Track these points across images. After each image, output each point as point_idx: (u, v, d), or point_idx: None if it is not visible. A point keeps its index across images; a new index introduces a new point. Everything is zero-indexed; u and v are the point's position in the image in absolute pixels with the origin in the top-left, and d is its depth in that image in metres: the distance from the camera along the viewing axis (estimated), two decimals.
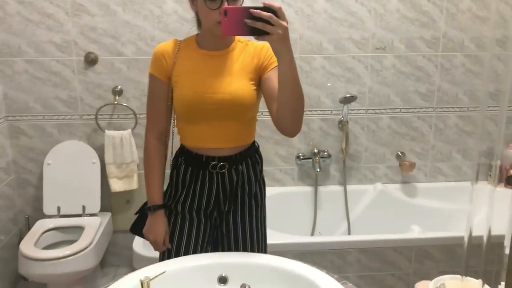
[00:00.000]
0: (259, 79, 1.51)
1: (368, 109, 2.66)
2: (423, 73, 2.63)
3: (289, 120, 1.38)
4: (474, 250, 2.37)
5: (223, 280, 1.24)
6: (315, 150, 2.67)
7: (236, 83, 1.47)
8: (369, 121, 2.69)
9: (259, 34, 1.21)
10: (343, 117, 2.58)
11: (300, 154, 2.70)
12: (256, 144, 1.64)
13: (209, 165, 1.53)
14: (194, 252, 1.56)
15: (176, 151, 1.64)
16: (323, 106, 2.64)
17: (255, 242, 1.61)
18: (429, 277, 2.20)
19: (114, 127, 2.61)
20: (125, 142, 2.57)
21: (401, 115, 2.68)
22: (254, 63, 1.49)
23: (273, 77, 1.44)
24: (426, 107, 2.68)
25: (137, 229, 1.68)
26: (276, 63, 1.43)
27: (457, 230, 2.59)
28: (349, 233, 2.68)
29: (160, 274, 0.95)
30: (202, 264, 1.25)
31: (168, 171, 1.64)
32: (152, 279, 0.92)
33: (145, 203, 1.66)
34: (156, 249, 1.60)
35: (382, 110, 2.67)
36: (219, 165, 1.53)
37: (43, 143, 2.61)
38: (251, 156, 1.60)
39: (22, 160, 2.64)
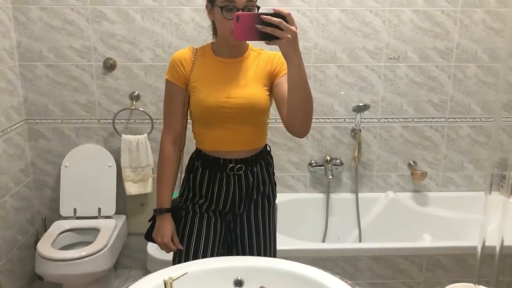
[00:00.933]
0: (271, 85, 1.58)
1: (381, 118, 2.69)
2: (436, 83, 2.66)
3: (299, 121, 1.45)
4: (487, 260, 2.37)
5: (239, 283, 1.27)
6: (328, 158, 2.70)
7: (251, 89, 1.54)
8: (382, 130, 2.71)
9: (269, 38, 1.27)
10: (356, 126, 2.60)
11: (313, 161, 2.73)
12: (268, 147, 1.72)
13: (227, 167, 1.60)
14: (212, 249, 1.62)
15: (192, 155, 1.70)
16: (336, 114, 2.67)
17: (267, 241, 1.69)
18: (441, 285, 2.21)
19: (130, 131, 2.67)
20: (141, 147, 2.62)
21: (413, 124, 2.71)
22: (267, 70, 1.57)
23: (283, 83, 1.50)
24: (438, 117, 2.70)
25: (151, 236, 1.73)
26: (286, 71, 1.51)
27: (468, 239, 2.60)
28: (360, 241, 2.70)
29: (182, 275, 0.99)
30: (220, 267, 1.28)
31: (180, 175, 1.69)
32: (175, 279, 0.96)
33: (155, 211, 1.71)
34: (164, 250, 1.66)
35: (395, 119, 2.69)
36: (236, 167, 1.60)
37: (61, 146, 2.67)
38: (264, 158, 1.67)
39: (40, 162, 2.70)
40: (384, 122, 2.70)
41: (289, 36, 1.26)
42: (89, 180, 2.65)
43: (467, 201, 2.75)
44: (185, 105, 1.62)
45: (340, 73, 2.62)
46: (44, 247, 2.33)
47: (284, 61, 1.37)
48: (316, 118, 2.67)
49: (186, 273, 1.00)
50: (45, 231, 2.63)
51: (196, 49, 1.62)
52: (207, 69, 1.58)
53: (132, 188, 2.67)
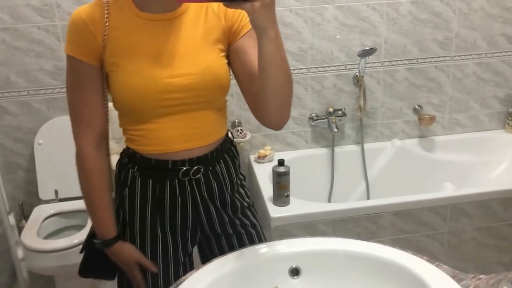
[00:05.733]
0: (228, 48, 1.15)
1: (384, 62, 2.48)
2: (441, 19, 2.45)
3: (276, 112, 1.07)
4: (510, 202, 2.22)
5: (295, 271, 1.07)
6: (330, 109, 2.49)
7: (205, 57, 1.10)
8: (385, 74, 2.51)
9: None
10: (359, 72, 2.38)
11: (314, 114, 2.51)
12: (229, 132, 1.29)
13: (179, 172, 1.16)
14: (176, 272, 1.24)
15: (121, 159, 1.26)
16: (337, 61, 2.44)
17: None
18: (465, 234, 2.10)
19: (110, 98, 2.35)
20: None
21: (418, 66, 2.51)
22: (221, 26, 1.13)
23: (247, 46, 1.11)
24: (443, 56, 2.51)
25: (89, 269, 1.32)
26: (250, 26, 1.08)
27: (484, 182, 2.50)
28: (368, 194, 2.56)
29: None
30: (271, 254, 1.07)
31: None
32: None
33: (91, 236, 1.29)
34: (139, 279, 1.24)
35: (399, 62, 2.49)
36: (192, 169, 1.17)
37: (31, 122, 2.34)
38: (227, 150, 1.26)
39: (9, 142, 2.36)
40: (388, 65, 2.49)
41: None
42: (68, 156, 2.29)
43: (474, 142, 2.63)
44: (103, 90, 1.15)
45: (339, 14, 2.36)
46: (29, 237, 2.06)
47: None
48: (315, 67, 2.43)
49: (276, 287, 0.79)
50: (24, 218, 2.35)
51: (108, 2, 1.09)
52: (131, 33, 1.09)
53: None
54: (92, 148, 1.18)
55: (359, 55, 2.31)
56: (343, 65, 2.45)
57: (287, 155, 2.46)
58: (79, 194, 2.30)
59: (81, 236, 2.04)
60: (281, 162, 1.98)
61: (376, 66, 2.48)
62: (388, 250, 1.07)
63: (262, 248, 1.09)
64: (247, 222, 1.30)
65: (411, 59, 2.49)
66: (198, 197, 1.21)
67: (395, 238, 2.11)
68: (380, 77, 2.51)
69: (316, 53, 2.40)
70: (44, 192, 2.33)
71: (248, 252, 1.08)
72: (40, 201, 2.34)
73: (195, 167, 1.17)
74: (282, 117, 1.10)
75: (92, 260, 1.31)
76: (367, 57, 2.34)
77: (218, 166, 1.22)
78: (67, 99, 1.17)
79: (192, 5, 1.12)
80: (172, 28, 1.10)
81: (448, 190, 2.09)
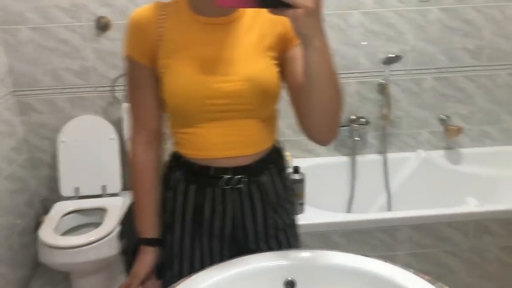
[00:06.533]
0: (282, 56, 1.09)
1: (411, 70, 2.41)
2: (472, 27, 2.36)
3: (323, 127, 1.01)
4: None
5: (290, 284, 1.04)
6: (353, 117, 2.43)
7: (255, 64, 1.06)
8: (411, 83, 2.43)
9: (275, 5, 0.84)
10: (384, 79, 2.32)
11: None
12: (278, 143, 1.23)
13: (221, 180, 1.14)
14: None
15: (169, 161, 1.24)
16: (361, 67, 2.39)
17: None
18: (489, 253, 2.00)
19: None
20: None
21: (446, 75, 2.43)
22: (276, 33, 1.08)
23: (298, 55, 1.05)
24: (474, 65, 2.42)
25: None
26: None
27: (507, 198, 2.38)
28: (389, 206, 2.48)
29: None
30: (266, 266, 1.05)
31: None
32: None
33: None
34: None
35: (426, 70, 2.41)
36: (235, 178, 1.14)
37: (56, 119, 2.40)
38: (275, 161, 1.20)
39: (34, 138, 2.43)
40: (414, 73, 2.42)
41: (310, 4, 0.82)
42: (90, 155, 2.39)
43: (505, 156, 2.52)
44: (157, 91, 1.13)
45: (365, 20, 2.31)
46: (47, 233, 2.09)
47: None
48: (339, 73, 2.37)
49: None
50: (46, 213, 2.40)
51: (166, 3, 1.10)
52: (184, 36, 1.07)
53: None
54: (142, 147, 1.19)
55: (383, 63, 2.25)
56: (367, 72, 2.39)
57: (306, 162, 2.43)
58: (99, 192, 2.35)
59: (97, 234, 2.07)
60: (295, 169, 1.94)
61: (402, 74, 2.41)
62: (387, 267, 1.02)
63: (257, 259, 1.06)
64: (283, 242, 1.23)
65: (440, 68, 2.41)
66: (239, 208, 1.17)
67: (412, 253, 2.04)
68: (405, 86, 2.43)
69: (340, 59, 2.35)
70: (65, 189, 2.37)
71: (242, 262, 1.05)
72: (61, 198, 2.39)
73: (237, 176, 1.14)
74: (330, 133, 1.04)
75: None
76: (392, 65, 2.27)
77: (262, 177, 1.17)
78: (128, 99, 1.20)
79: (249, 11, 1.09)
80: (225, 33, 1.07)
81: (470, 205, 2.00)
